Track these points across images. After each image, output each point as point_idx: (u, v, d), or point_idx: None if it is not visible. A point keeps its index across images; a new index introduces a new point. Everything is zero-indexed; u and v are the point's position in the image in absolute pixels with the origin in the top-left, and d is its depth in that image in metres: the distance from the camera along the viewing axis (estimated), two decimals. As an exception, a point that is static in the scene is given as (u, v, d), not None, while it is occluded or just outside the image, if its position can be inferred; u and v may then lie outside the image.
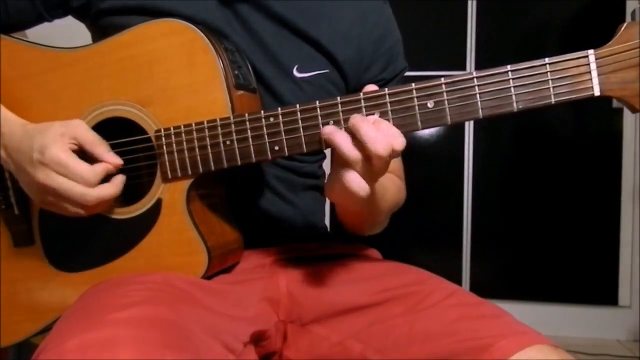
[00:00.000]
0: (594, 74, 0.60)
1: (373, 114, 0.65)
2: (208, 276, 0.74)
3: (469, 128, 2.47)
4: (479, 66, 2.38)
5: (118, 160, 0.73)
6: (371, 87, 0.66)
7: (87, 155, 0.72)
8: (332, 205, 0.80)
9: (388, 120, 0.64)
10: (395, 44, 0.89)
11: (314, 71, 0.82)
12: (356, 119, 0.62)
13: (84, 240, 0.75)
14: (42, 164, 0.70)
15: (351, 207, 0.74)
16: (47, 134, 0.71)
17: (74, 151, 0.71)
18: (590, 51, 0.60)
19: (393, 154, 0.62)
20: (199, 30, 0.71)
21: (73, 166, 0.69)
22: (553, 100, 0.61)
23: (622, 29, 0.60)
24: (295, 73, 0.82)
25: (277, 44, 0.80)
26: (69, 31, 0.94)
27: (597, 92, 0.60)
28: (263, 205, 0.84)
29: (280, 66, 0.81)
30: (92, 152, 0.72)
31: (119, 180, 0.73)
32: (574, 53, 0.61)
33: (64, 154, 0.69)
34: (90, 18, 0.81)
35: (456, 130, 2.48)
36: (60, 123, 0.72)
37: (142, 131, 0.73)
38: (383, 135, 0.61)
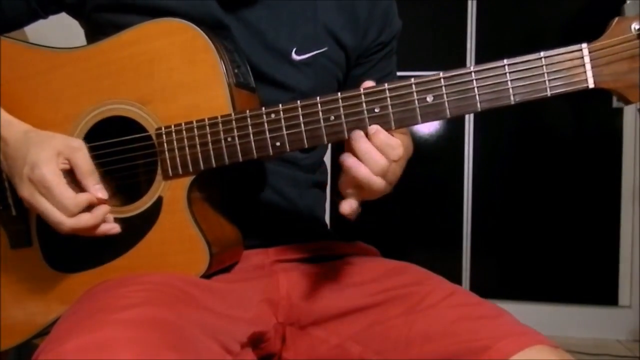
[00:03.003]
0: (588, 66, 0.62)
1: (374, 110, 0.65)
2: (208, 275, 0.74)
3: (469, 127, 2.47)
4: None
5: (103, 195, 0.71)
6: (369, 83, 0.67)
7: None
8: (333, 204, 0.80)
9: (388, 114, 0.65)
10: (390, 4, 0.89)
11: (312, 51, 0.82)
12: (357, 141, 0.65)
13: (82, 240, 0.74)
14: (29, 181, 0.70)
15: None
16: (43, 148, 0.70)
17: (65, 170, 0.71)
18: (584, 45, 0.62)
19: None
20: (199, 29, 0.71)
21: (57, 192, 0.68)
22: (549, 92, 0.63)
23: (614, 23, 0.62)
24: (294, 56, 0.81)
25: (272, 29, 0.80)
26: (67, 31, 0.94)
27: (591, 84, 0.62)
28: (264, 203, 0.84)
29: (278, 52, 0.81)
30: (81, 181, 0.71)
31: (100, 212, 0.71)
32: (568, 47, 0.62)
33: (52, 177, 0.69)
34: (85, 14, 0.81)
35: (456, 130, 2.48)
36: (62, 139, 0.72)
37: (142, 130, 0.73)
38: (380, 157, 0.64)
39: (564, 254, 2.43)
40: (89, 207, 0.71)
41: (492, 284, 2.48)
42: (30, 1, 0.81)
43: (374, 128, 0.65)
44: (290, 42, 0.81)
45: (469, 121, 2.45)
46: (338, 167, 0.95)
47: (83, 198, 0.70)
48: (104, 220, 0.72)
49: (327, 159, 0.98)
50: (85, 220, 0.70)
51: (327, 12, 0.83)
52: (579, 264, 2.41)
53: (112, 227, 0.72)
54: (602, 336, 2.36)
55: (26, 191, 0.70)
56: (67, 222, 0.69)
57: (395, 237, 2.44)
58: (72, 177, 0.71)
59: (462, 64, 2.41)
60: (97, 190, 0.71)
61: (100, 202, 0.71)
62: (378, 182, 0.65)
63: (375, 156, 0.65)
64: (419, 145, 2.49)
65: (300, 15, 0.82)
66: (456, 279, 0.77)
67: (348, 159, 0.66)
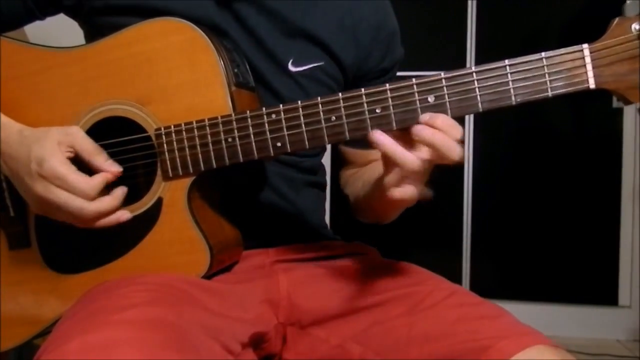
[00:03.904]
0: (589, 67, 0.62)
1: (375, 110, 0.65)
2: (208, 275, 0.73)
3: (469, 128, 2.46)
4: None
5: (117, 169, 0.72)
6: None
7: (84, 163, 0.71)
8: (333, 204, 0.80)
9: (389, 115, 0.65)
10: (393, 32, 0.89)
11: (309, 64, 0.82)
12: (417, 129, 0.63)
13: (82, 241, 0.75)
14: (40, 177, 0.69)
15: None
16: (44, 143, 0.70)
17: (71, 158, 0.70)
18: (585, 45, 0.62)
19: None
20: (198, 29, 0.71)
21: (72, 180, 0.69)
22: (550, 93, 0.63)
23: (614, 23, 0.62)
24: (291, 67, 0.81)
25: (271, 38, 0.80)
26: (66, 30, 0.94)
27: (592, 85, 0.62)
28: (264, 204, 0.84)
29: (275, 61, 0.81)
30: (90, 162, 0.71)
31: (119, 193, 0.72)
32: (569, 47, 0.62)
33: (62, 167, 0.69)
34: (83, 16, 0.81)
35: (456, 131, 2.47)
36: (58, 130, 0.72)
37: (142, 130, 0.73)
38: (448, 137, 0.63)
39: (563, 254, 2.42)
40: (104, 192, 0.71)
41: (492, 284, 2.48)
42: (27, 2, 0.81)
43: (427, 115, 0.64)
44: (288, 53, 0.81)
45: (469, 121, 2.45)
46: (338, 168, 0.95)
47: (99, 179, 0.70)
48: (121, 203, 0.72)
49: (327, 159, 0.97)
50: (107, 202, 0.70)
51: (327, 29, 0.83)
52: (579, 264, 2.41)
53: (123, 213, 0.72)
54: (602, 336, 2.35)
55: (40, 187, 0.70)
56: (90, 207, 0.69)
57: (395, 237, 2.43)
58: (78, 164, 0.71)
59: (462, 64, 2.41)
60: (110, 165, 0.72)
61: (116, 176, 0.71)
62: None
63: (441, 136, 0.64)
64: (419, 145, 2.49)
65: (299, 28, 0.82)
66: (456, 279, 0.77)
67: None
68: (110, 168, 0.71)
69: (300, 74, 0.82)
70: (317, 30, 0.82)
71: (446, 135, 0.63)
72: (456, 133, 0.64)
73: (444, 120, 0.63)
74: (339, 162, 0.96)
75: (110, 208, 0.71)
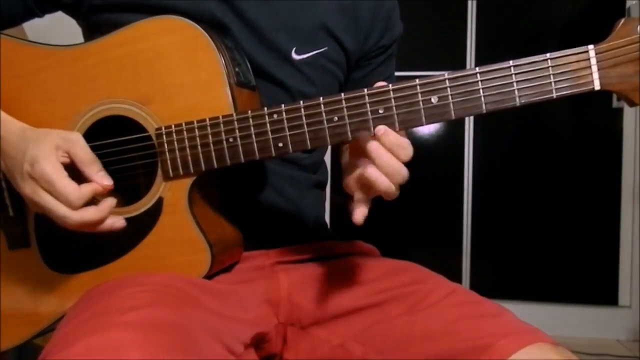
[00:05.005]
0: (594, 68, 0.62)
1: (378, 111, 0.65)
2: (209, 276, 0.73)
3: (469, 127, 2.46)
4: (479, 66, 2.41)
5: (108, 182, 0.70)
6: (379, 84, 0.66)
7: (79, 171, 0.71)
8: (332, 204, 0.80)
9: (392, 115, 0.64)
10: (392, 8, 0.89)
11: (312, 51, 0.82)
12: (373, 147, 0.63)
13: (82, 241, 0.74)
14: (30, 177, 0.69)
15: None
16: (41, 144, 0.69)
17: (66, 164, 0.70)
18: (590, 46, 0.62)
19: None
20: (200, 28, 0.71)
21: (60, 185, 0.67)
22: (555, 94, 0.62)
23: (620, 24, 0.62)
24: (294, 56, 0.81)
25: (272, 29, 0.80)
26: (65, 28, 0.94)
27: (597, 87, 0.62)
28: (265, 204, 0.83)
29: (277, 52, 0.80)
30: (82, 171, 0.70)
31: (106, 206, 0.70)
32: (575, 48, 0.62)
33: (53, 171, 0.68)
34: (82, 14, 0.80)
35: (456, 130, 2.48)
36: (58, 133, 0.71)
37: (142, 130, 0.73)
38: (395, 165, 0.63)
39: (564, 254, 2.43)
40: (94, 201, 0.70)
41: (492, 283, 2.48)
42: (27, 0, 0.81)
43: (382, 129, 0.63)
44: (290, 42, 0.81)
45: (469, 121, 2.45)
46: (338, 167, 0.95)
47: (87, 189, 0.69)
48: (109, 215, 0.70)
49: (327, 159, 0.97)
50: (91, 214, 0.69)
51: (328, 12, 0.82)
52: (579, 264, 2.41)
53: (116, 220, 0.71)
54: (602, 336, 2.36)
55: (28, 188, 0.69)
56: (73, 216, 0.68)
57: (395, 237, 2.44)
58: (74, 172, 0.70)
59: (462, 64, 2.41)
60: (101, 177, 0.70)
61: (106, 190, 0.70)
62: (386, 184, 0.63)
63: (385, 156, 0.63)
64: (419, 145, 2.49)
65: (300, 15, 0.81)
66: (456, 278, 0.77)
67: (356, 160, 0.64)
68: (101, 181, 0.70)
69: (304, 61, 0.81)
70: (318, 15, 0.82)
71: (389, 155, 0.63)
72: (403, 154, 0.63)
73: (392, 139, 0.63)
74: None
75: (95, 220, 0.69)
